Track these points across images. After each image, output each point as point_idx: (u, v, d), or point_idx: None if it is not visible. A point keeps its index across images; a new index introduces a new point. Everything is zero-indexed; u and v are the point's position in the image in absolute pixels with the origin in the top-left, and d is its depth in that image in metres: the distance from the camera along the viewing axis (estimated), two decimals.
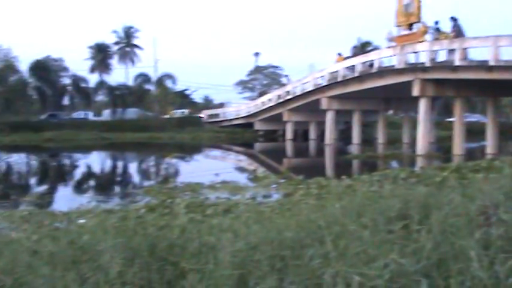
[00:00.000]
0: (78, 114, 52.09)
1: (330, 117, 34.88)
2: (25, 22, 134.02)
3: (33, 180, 20.13)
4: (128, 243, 3.39)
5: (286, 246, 3.39)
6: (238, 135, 44.46)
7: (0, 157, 29.03)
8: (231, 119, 49.52)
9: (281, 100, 40.79)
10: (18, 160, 27.72)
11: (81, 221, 6.75)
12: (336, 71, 33.36)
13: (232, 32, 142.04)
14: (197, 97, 72.53)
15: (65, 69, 57.09)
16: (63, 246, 3.58)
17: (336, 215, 4.27)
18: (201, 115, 53.16)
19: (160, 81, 56.02)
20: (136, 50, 61.93)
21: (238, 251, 3.19)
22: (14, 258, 3.22)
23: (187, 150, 35.65)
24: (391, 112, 44.86)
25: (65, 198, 12.88)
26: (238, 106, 52.49)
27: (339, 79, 32.58)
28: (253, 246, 3.37)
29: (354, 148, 31.88)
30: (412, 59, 26.53)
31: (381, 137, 35.43)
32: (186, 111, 53.70)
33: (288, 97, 39.58)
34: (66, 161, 28.75)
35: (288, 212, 6.68)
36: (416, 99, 25.91)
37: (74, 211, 8.45)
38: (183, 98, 60.37)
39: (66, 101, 56.60)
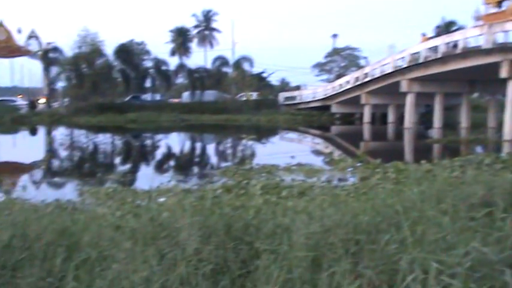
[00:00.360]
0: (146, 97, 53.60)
1: (409, 100, 33.80)
2: (111, 7, 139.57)
3: (117, 160, 21.13)
4: (204, 222, 3.47)
5: (362, 230, 3.34)
6: (314, 118, 44.19)
7: (88, 137, 30.71)
8: (307, 102, 49.23)
9: (359, 82, 40.02)
10: (104, 140, 29.21)
11: (161, 199, 7.00)
12: (417, 53, 32.19)
13: (309, 14, 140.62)
14: (274, 80, 72.71)
15: (147, 52, 59.01)
16: (144, 222, 3.73)
17: (414, 200, 4.14)
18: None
19: (237, 64, 56.57)
20: (215, 33, 63.01)
21: (313, 233, 3.18)
22: (99, 233, 3.40)
23: (264, 132, 35.93)
24: (476, 95, 42.69)
25: (146, 177, 13.42)
26: (315, 89, 52.03)
27: (421, 61, 31.42)
28: (327, 228, 3.34)
29: (435, 132, 30.74)
30: (500, 38, 25.07)
31: (464, 121, 33.94)
32: (254, 94, 53.85)
33: (367, 79, 38.75)
34: (148, 142, 29.88)
35: (364, 196, 6.57)
36: (504, 82, 24.50)
37: (155, 190, 8.77)
38: (259, 81, 60.63)
39: (148, 83, 58.54)
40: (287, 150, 19.53)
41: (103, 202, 7.83)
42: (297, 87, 61.49)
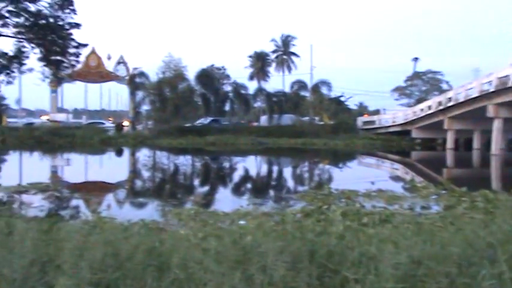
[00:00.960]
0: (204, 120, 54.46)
1: (497, 126, 32.20)
2: (194, 34, 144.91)
3: (196, 181, 21.62)
4: (287, 247, 3.46)
5: (452, 262, 3.19)
6: (393, 142, 43.15)
7: (169, 158, 31.72)
8: (386, 126, 48.25)
9: (442, 107, 38.73)
10: (184, 162, 30.03)
11: (242, 222, 7.06)
12: (506, 76, 30.69)
13: (389, 37, 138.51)
14: (352, 104, 71.99)
15: (227, 77, 60.68)
16: (227, 245, 3.77)
17: (508, 232, 3.91)
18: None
19: (315, 88, 56.61)
20: (293, 58, 63.54)
21: (400, 263, 3.08)
22: (186, 254, 3.47)
23: (341, 156, 35.46)
24: None
25: (224, 199, 13.62)
26: (394, 113, 50.97)
27: (509, 85, 29.90)
28: (415, 259, 3.23)
29: None
30: None
31: None
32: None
33: (450, 104, 37.43)
34: (226, 164, 30.38)
35: (451, 226, 6.28)
36: None
37: (235, 212, 8.88)
38: (337, 105, 60.28)
39: (227, 107, 59.86)
40: (366, 176, 19.15)
41: (185, 223, 8.02)
42: (376, 112, 60.49)
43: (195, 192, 15.65)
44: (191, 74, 53.48)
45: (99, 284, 3.06)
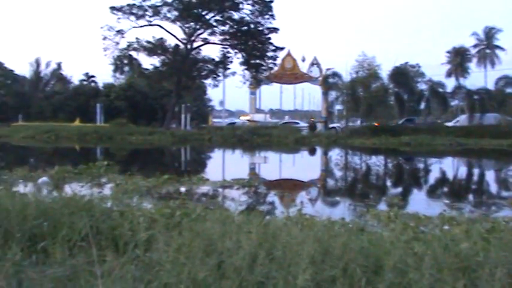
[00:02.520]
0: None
1: None
2: (385, 33, 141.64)
3: (389, 182, 21.09)
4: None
5: None
6: None
7: (361, 158, 31.52)
8: None
9: None
10: (377, 162, 29.56)
11: (446, 227, 6.68)
12: None
13: None
14: None
15: (422, 74, 58.06)
16: (437, 251, 3.59)
17: None
18: None
19: None
20: (498, 51, 58.22)
21: None
22: (399, 258, 3.38)
23: None
24: None
25: (420, 202, 13.03)
26: None
27: None
28: None
29: None
30: None
31: None
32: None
33: None
34: (421, 165, 29.06)
35: None
36: None
37: (438, 216, 8.46)
38: None
39: (422, 106, 57.35)
40: None
41: (385, 225, 7.87)
42: None
43: (388, 193, 15.26)
44: (384, 73, 52.50)
45: (313, 279, 3.14)
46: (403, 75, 53.64)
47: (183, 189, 14.16)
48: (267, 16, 50.26)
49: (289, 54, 60.16)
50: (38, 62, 76.60)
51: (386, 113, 53.65)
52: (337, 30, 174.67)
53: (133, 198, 8.04)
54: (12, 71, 75.43)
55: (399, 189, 18.11)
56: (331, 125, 55.74)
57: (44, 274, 3.26)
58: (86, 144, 42.52)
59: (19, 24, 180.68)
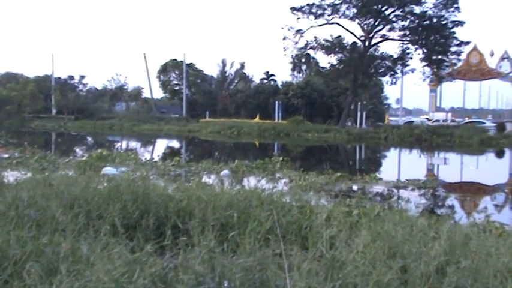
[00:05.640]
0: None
1: None
2: None
3: None
4: None
5: None
6: None
7: None
8: None
9: None
10: None
11: None
12: None
13: None
14: None
15: None
16: None
17: None
18: None
19: None
20: None
21: None
22: None
23: None
24: None
25: None
26: None
27: None
28: None
29: None
30: None
31: None
32: None
33: None
34: None
35: None
36: None
37: None
38: None
39: None
40: None
41: None
42: None
43: None
44: None
45: None
46: None
47: (355, 187, 14.05)
48: (451, 9, 47.25)
49: (475, 49, 55.92)
50: (224, 63, 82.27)
51: None
52: None
53: (309, 194, 8.21)
54: (201, 71, 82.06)
55: None
56: None
57: (235, 263, 3.51)
58: (264, 139, 44.59)
59: (208, 28, 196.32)
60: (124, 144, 39.14)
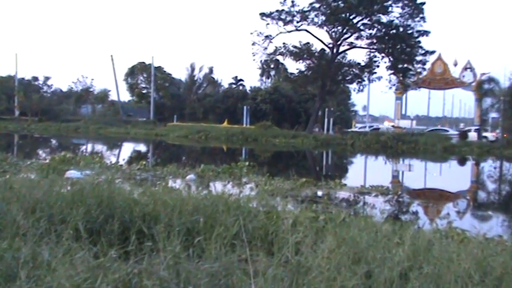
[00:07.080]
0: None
1: None
2: None
3: None
4: None
5: None
6: None
7: None
8: None
9: None
10: None
11: None
12: None
13: None
14: None
15: None
16: None
17: None
18: None
19: None
20: None
21: None
22: None
23: None
24: None
25: None
26: None
27: None
28: None
29: None
30: None
31: None
32: None
33: None
34: None
35: None
36: None
37: None
38: None
39: None
40: None
41: None
42: None
43: None
44: None
45: None
46: None
47: (320, 193, 14.15)
48: (417, 19, 48.34)
49: (439, 58, 57.28)
50: (192, 67, 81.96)
51: None
52: (493, 32, 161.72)
53: (276, 199, 8.22)
54: (170, 74, 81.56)
55: None
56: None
57: (200, 268, 3.49)
58: (232, 144, 44.55)
59: (177, 31, 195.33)
60: (89, 147, 38.48)
